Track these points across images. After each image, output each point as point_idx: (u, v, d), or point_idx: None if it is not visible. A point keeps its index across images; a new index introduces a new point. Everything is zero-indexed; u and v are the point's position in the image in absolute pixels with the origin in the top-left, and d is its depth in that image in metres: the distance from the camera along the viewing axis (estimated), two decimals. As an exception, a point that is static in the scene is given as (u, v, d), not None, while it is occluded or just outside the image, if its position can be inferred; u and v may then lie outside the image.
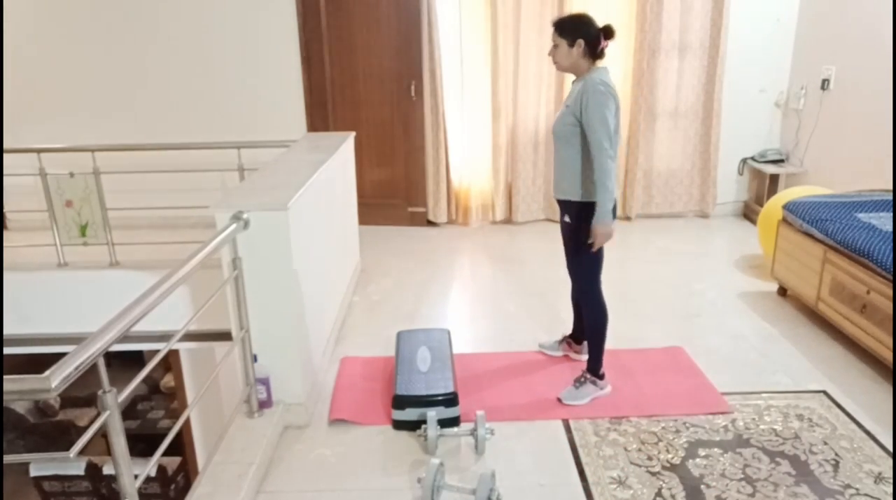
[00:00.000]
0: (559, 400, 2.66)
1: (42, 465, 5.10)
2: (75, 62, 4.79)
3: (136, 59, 4.78)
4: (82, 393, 5.89)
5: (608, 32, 2.44)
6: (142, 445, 4.49)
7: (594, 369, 2.68)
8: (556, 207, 5.16)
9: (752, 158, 5.14)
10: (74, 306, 3.90)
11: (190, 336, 3.53)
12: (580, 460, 2.31)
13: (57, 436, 5.75)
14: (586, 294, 2.69)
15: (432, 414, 2.35)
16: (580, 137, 2.45)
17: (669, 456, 2.32)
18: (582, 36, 2.40)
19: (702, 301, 3.68)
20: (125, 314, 1.54)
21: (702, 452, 2.35)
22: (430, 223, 5.17)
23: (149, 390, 6.34)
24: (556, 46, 2.46)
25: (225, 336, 2.57)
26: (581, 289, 2.73)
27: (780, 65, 5.02)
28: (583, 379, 2.69)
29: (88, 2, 4.68)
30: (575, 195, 2.52)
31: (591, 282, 2.66)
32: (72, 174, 3.81)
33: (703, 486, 2.17)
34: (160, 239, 4.20)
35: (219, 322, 2.54)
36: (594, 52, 2.44)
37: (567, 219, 2.60)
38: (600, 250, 2.57)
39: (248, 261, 2.28)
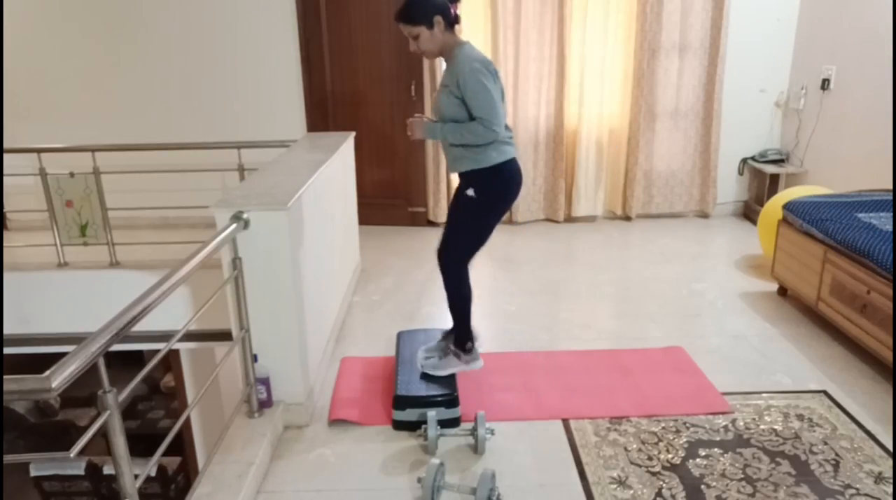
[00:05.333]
0: (420, 368, 2.64)
1: (42, 465, 5.10)
2: (75, 62, 4.79)
3: (136, 58, 4.78)
4: (82, 393, 5.88)
5: None
6: (142, 445, 4.47)
7: (460, 342, 2.63)
8: (557, 207, 5.20)
9: (753, 158, 5.14)
10: (74, 306, 3.90)
11: (190, 336, 3.53)
12: (580, 460, 2.31)
13: (57, 436, 5.75)
14: (456, 266, 2.54)
15: (432, 414, 2.35)
16: (465, 112, 2.35)
17: (670, 456, 2.32)
18: (436, 12, 2.28)
19: (702, 301, 3.68)
20: (125, 314, 1.53)
21: (702, 452, 2.35)
22: (431, 223, 5.17)
23: (149, 390, 6.35)
24: (415, 38, 2.33)
25: (225, 336, 2.57)
26: (451, 259, 2.54)
27: (780, 65, 5.02)
28: (447, 351, 2.66)
29: (88, 2, 4.67)
30: (479, 164, 2.40)
31: (466, 255, 2.53)
32: (72, 174, 3.81)
33: (703, 486, 2.17)
34: (160, 239, 4.20)
35: (219, 322, 2.54)
36: (450, 22, 2.33)
37: (470, 192, 2.42)
38: (489, 230, 2.49)
39: (248, 261, 2.28)
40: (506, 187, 2.46)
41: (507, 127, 2.43)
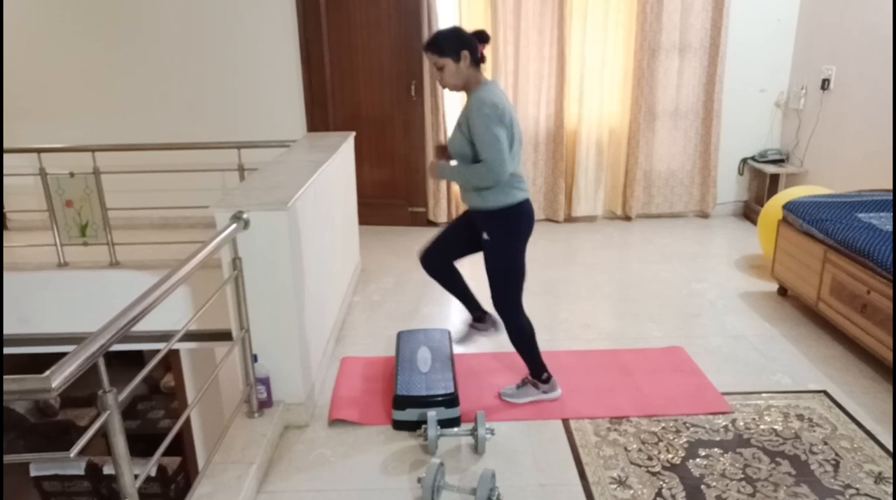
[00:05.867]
0: (500, 395, 2.69)
1: (42, 465, 5.10)
2: (75, 62, 4.79)
3: (136, 59, 4.78)
4: (82, 393, 5.89)
5: (482, 37, 2.37)
6: (142, 445, 4.48)
7: (536, 374, 2.67)
8: (557, 207, 5.20)
9: (753, 158, 5.14)
10: (74, 306, 3.90)
11: (190, 336, 3.53)
12: (580, 460, 2.31)
13: (57, 436, 5.75)
14: (508, 307, 2.56)
15: (432, 414, 2.35)
16: (473, 152, 2.37)
17: (670, 456, 2.32)
18: (464, 47, 2.30)
19: (702, 301, 3.68)
20: (125, 314, 1.54)
21: (702, 452, 2.35)
22: (431, 223, 5.17)
23: (149, 390, 6.35)
24: (441, 69, 2.34)
25: (225, 336, 2.57)
26: (500, 305, 2.56)
27: (780, 65, 5.02)
28: (525, 381, 2.69)
29: (88, 2, 4.67)
30: (482, 203, 2.42)
31: (513, 293, 2.55)
32: (72, 174, 3.81)
33: (703, 486, 2.17)
34: (160, 239, 4.20)
35: (219, 322, 2.54)
36: (476, 59, 2.36)
37: (486, 236, 2.46)
38: (521, 266, 2.51)
39: (248, 261, 2.28)
40: (516, 227, 2.46)
41: (518, 175, 2.43)
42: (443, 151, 2.63)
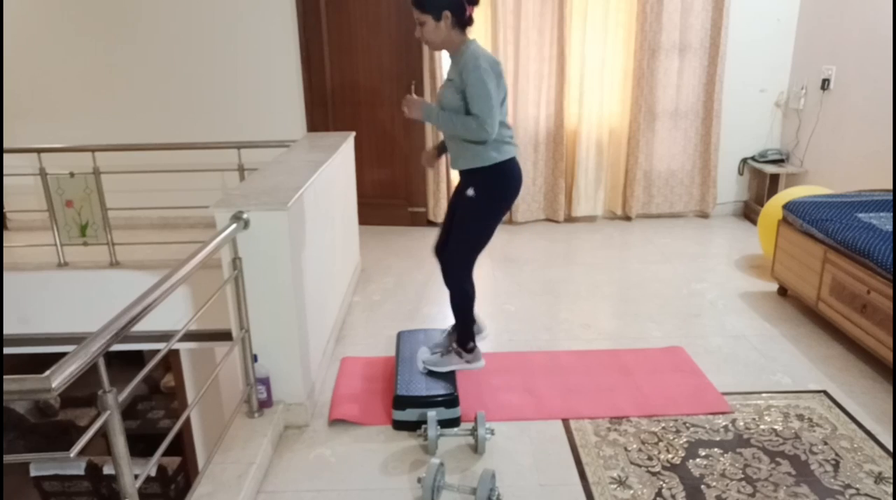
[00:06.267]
0: (422, 364, 2.67)
1: (42, 465, 5.10)
2: (75, 62, 4.79)
3: (136, 59, 4.78)
4: (82, 393, 5.89)
5: None
6: (142, 445, 4.49)
7: (463, 342, 2.65)
8: (557, 207, 5.20)
9: (753, 158, 5.14)
10: (74, 306, 3.90)
11: (190, 336, 3.54)
12: (580, 460, 2.31)
13: (57, 436, 5.75)
14: (458, 269, 2.54)
15: (432, 414, 2.35)
16: (466, 106, 2.36)
17: (670, 456, 2.32)
18: (446, 6, 2.28)
19: (702, 301, 3.68)
20: (125, 314, 1.53)
21: (702, 452, 2.35)
22: (431, 223, 5.17)
23: (149, 390, 6.35)
24: (422, 24, 2.34)
25: (225, 336, 2.57)
26: (453, 262, 2.55)
27: (780, 65, 5.02)
28: (448, 350, 2.68)
29: (88, 2, 4.68)
30: (479, 162, 2.41)
31: (469, 255, 2.53)
32: (72, 174, 3.81)
33: (703, 486, 2.17)
34: (160, 239, 4.20)
35: (219, 322, 2.54)
36: (462, 22, 2.35)
37: (470, 192, 2.43)
38: (492, 230, 2.50)
39: (248, 261, 2.28)
40: (505, 186, 2.46)
41: (507, 125, 2.43)
42: (436, 152, 2.64)
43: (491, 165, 2.40)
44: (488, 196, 2.44)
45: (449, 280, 2.59)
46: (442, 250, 2.68)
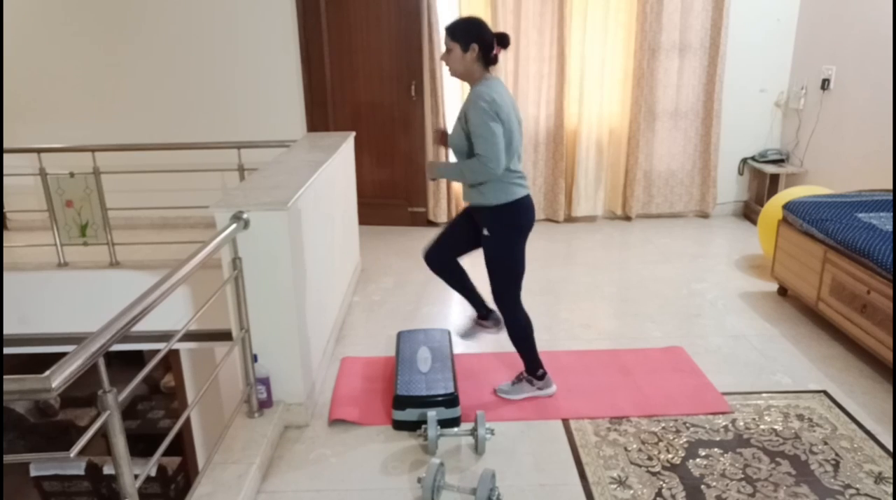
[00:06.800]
0: (495, 392, 2.71)
1: (42, 465, 5.10)
2: (75, 62, 4.79)
3: (136, 59, 4.78)
4: (82, 393, 5.89)
5: (502, 40, 2.38)
6: (142, 445, 4.49)
7: (531, 370, 2.68)
8: (557, 207, 5.20)
9: (753, 158, 5.14)
10: (74, 306, 3.90)
11: (190, 336, 3.54)
12: (580, 460, 2.31)
13: (57, 436, 5.75)
14: (508, 303, 2.58)
15: (432, 414, 2.35)
16: (470, 145, 2.38)
17: (670, 456, 2.32)
18: (476, 40, 2.34)
19: (702, 301, 3.68)
20: (125, 314, 1.53)
21: (702, 452, 2.35)
22: (431, 223, 5.17)
23: (149, 390, 6.35)
24: (449, 51, 2.38)
25: (225, 336, 2.57)
26: (500, 299, 2.58)
27: (780, 65, 5.02)
28: (520, 378, 2.71)
29: (88, 2, 4.68)
30: (481, 200, 2.44)
31: (511, 288, 2.57)
32: (72, 174, 3.81)
33: (703, 486, 2.17)
34: (160, 239, 4.21)
35: (219, 322, 2.54)
36: (487, 58, 2.38)
37: (486, 232, 2.48)
38: (521, 262, 2.53)
39: (248, 261, 2.28)
40: (516, 223, 2.48)
41: (516, 170, 2.44)
42: (442, 136, 2.65)
43: (497, 204, 2.43)
44: (503, 231, 2.47)
45: (505, 317, 2.63)
46: (433, 256, 2.70)
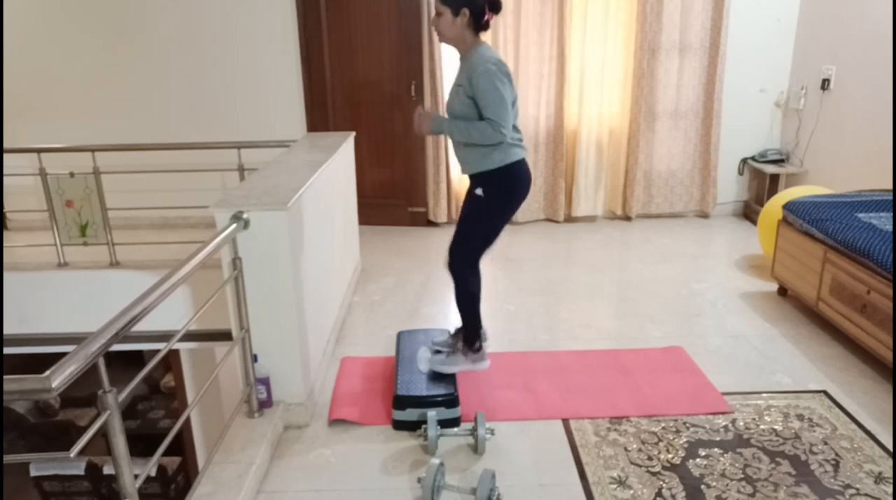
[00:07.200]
0: (427, 363, 2.67)
1: (42, 465, 5.10)
2: (75, 62, 4.79)
3: (136, 58, 4.78)
4: (82, 393, 5.89)
5: (494, 5, 2.35)
6: (142, 445, 4.49)
7: (469, 341, 2.64)
8: (557, 207, 5.20)
9: (753, 158, 5.14)
10: (74, 306, 3.90)
11: (190, 336, 3.54)
12: (580, 460, 2.31)
13: (57, 436, 5.75)
14: (464, 265, 2.53)
15: (432, 414, 2.35)
16: (476, 112, 2.36)
17: (670, 456, 2.32)
18: (467, 5, 2.31)
19: (702, 301, 3.68)
20: (125, 314, 1.53)
21: (702, 452, 2.35)
22: (431, 223, 5.17)
23: (149, 390, 6.35)
24: (439, 15, 2.34)
25: (225, 336, 2.57)
26: (459, 257, 2.53)
27: (780, 65, 5.02)
28: (454, 350, 2.67)
29: (88, 2, 4.68)
30: (486, 165, 2.42)
31: (474, 253, 2.53)
32: (72, 174, 3.81)
33: (703, 486, 2.17)
34: (160, 239, 4.21)
35: (219, 322, 2.54)
36: (479, 25, 2.35)
37: (479, 191, 2.44)
38: (499, 229, 2.50)
39: (248, 261, 2.28)
40: (512, 187, 2.46)
41: (516, 128, 2.44)
42: (425, 119, 2.58)
43: (497, 167, 2.41)
44: (496, 195, 2.45)
45: (455, 277, 2.58)
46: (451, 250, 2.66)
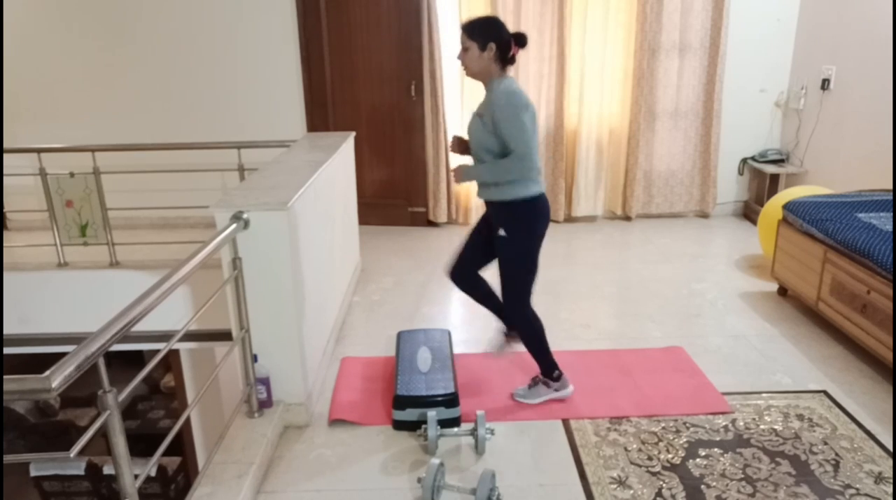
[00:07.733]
0: (512, 396, 2.68)
1: (42, 465, 5.10)
2: (75, 62, 4.79)
3: (136, 58, 4.78)
4: (82, 393, 5.89)
5: (520, 39, 2.37)
6: (142, 445, 4.48)
7: (547, 372, 2.65)
8: (557, 207, 5.20)
9: (753, 158, 5.14)
10: (74, 306, 3.90)
11: (190, 336, 3.54)
12: (580, 460, 2.31)
13: (57, 436, 5.75)
14: (518, 305, 2.54)
15: (432, 414, 2.35)
16: (498, 144, 2.37)
17: (670, 456, 2.32)
18: (494, 40, 2.32)
19: (702, 301, 3.68)
20: (125, 314, 1.53)
21: (702, 452, 2.35)
22: (431, 223, 5.17)
23: (149, 390, 6.35)
24: (465, 50, 2.36)
25: (225, 336, 2.57)
26: (511, 300, 2.55)
27: (780, 65, 5.02)
28: (536, 380, 2.68)
29: (88, 2, 4.68)
30: (504, 195, 2.42)
31: (524, 292, 2.54)
32: (72, 174, 3.81)
33: (703, 486, 2.17)
34: (160, 239, 4.21)
35: (219, 322, 2.54)
36: (505, 58, 2.37)
37: (502, 232, 2.44)
38: (534, 263, 2.49)
39: (248, 261, 2.28)
40: (532, 220, 2.44)
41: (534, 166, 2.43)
42: (461, 144, 2.61)
43: (514, 199, 2.40)
44: (519, 232, 2.44)
45: (517, 322, 2.59)
46: (456, 273, 2.68)
